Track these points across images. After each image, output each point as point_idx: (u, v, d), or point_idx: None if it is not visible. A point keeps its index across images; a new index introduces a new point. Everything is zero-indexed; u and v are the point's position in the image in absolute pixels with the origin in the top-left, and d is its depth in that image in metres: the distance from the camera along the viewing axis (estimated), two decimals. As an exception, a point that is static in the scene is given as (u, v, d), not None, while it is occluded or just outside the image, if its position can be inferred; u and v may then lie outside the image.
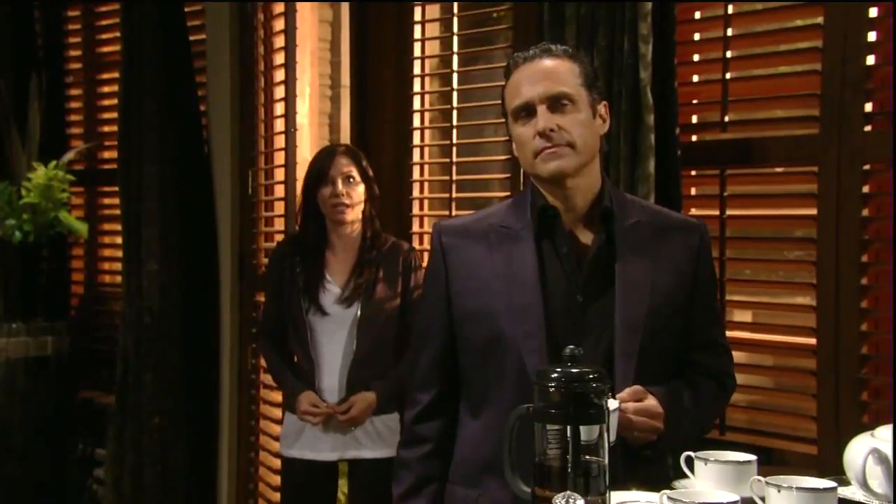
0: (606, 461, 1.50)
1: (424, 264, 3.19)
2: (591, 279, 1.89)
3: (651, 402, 1.84)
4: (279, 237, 3.83)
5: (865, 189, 2.53)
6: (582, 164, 1.89)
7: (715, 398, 2.05)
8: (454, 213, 3.32)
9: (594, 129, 1.92)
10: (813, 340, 2.60)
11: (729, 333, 2.72)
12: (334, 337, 3.11)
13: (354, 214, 3.13)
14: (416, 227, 3.53)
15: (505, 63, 1.88)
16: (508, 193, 3.07)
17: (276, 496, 3.62)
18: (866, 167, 2.52)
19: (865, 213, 2.53)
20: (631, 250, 1.90)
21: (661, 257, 1.92)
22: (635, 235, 1.92)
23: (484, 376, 1.93)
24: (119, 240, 4.37)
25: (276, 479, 3.64)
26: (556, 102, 1.87)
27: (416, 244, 3.44)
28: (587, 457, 1.49)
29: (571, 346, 1.56)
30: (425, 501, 1.99)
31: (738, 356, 2.76)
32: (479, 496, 1.91)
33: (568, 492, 1.43)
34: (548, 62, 1.90)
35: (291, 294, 3.16)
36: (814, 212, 2.60)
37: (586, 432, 1.49)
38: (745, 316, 2.94)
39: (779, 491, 1.55)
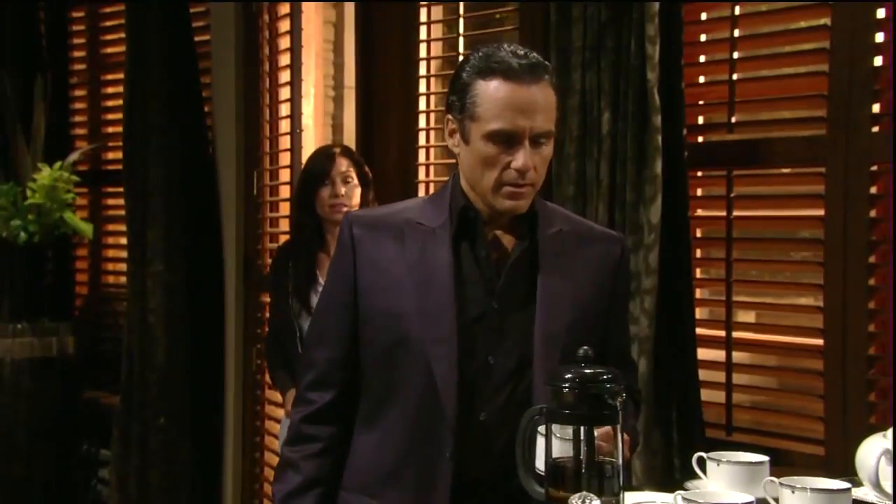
0: (620, 462, 1.51)
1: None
2: (509, 286, 1.79)
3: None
4: (284, 238, 3.82)
5: (873, 190, 2.52)
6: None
7: (633, 414, 1.97)
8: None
9: None
10: (820, 341, 2.59)
11: (735, 334, 2.74)
12: None
13: None
14: (421, 228, 3.52)
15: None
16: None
17: (282, 497, 3.63)
18: (873, 168, 2.51)
19: (872, 214, 2.52)
20: (553, 259, 1.81)
21: (582, 268, 1.84)
22: (557, 245, 1.82)
23: (386, 381, 1.80)
24: (124, 240, 4.38)
25: (282, 480, 3.64)
26: (538, 139, 1.74)
27: (421, 245, 3.44)
28: (601, 457, 1.49)
29: (585, 347, 1.55)
30: (311, 503, 1.85)
31: (745, 357, 2.78)
32: None
33: (584, 492, 1.43)
34: (539, 93, 1.73)
35: (284, 296, 3.17)
36: (821, 213, 2.60)
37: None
38: (751, 317, 2.94)
39: (793, 492, 1.56)
